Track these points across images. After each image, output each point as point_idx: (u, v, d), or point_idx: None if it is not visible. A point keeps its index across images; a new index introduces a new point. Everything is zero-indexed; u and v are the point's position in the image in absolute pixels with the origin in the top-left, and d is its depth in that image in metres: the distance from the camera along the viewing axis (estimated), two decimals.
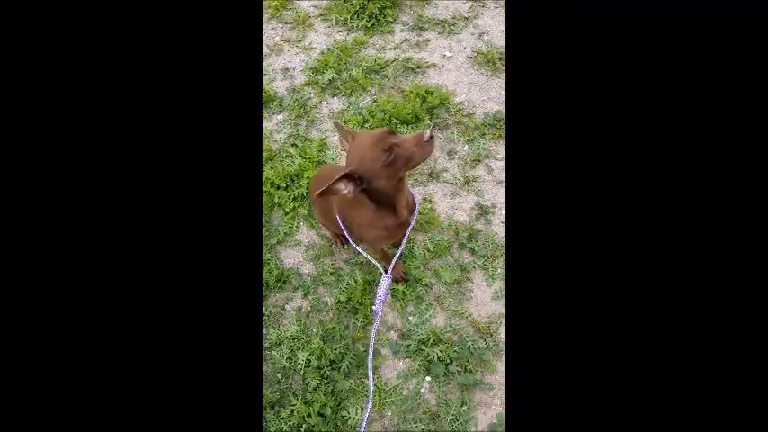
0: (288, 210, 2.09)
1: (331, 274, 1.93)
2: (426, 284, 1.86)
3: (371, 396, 1.32)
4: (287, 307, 1.88)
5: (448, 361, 1.69)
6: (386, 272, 1.48)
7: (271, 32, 2.80)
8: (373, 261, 1.56)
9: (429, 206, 2.07)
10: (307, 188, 2.12)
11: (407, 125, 2.27)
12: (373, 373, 1.69)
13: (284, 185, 2.13)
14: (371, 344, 1.38)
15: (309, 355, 1.71)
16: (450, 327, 1.78)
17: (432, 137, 1.22)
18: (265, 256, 1.98)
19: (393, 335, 1.78)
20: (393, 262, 1.53)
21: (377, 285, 1.71)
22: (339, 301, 1.84)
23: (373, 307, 1.52)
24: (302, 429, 1.57)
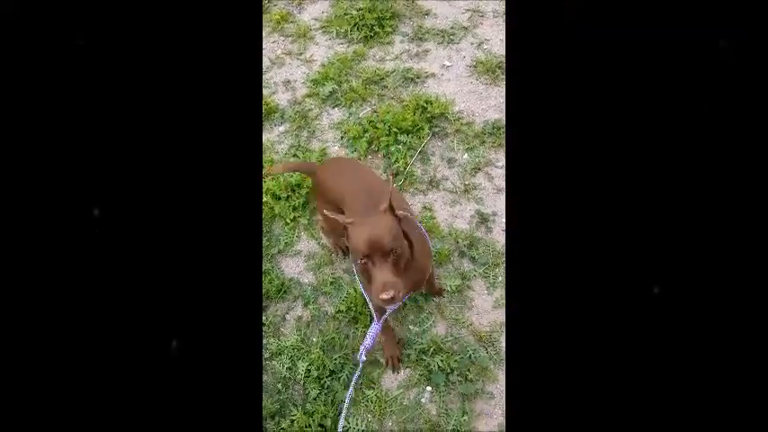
0: (288, 220, 2.10)
1: (331, 283, 1.93)
2: (426, 294, 1.86)
3: None
4: (287, 317, 1.89)
5: (449, 371, 1.67)
6: (377, 321, 1.41)
7: (272, 45, 2.84)
8: (369, 305, 1.48)
9: (429, 214, 2.07)
10: (306, 195, 2.13)
11: (408, 134, 2.28)
12: (372, 386, 1.69)
13: (285, 196, 2.15)
14: (350, 391, 1.31)
15: (309, 365, 1.71)
16: (451, 336, 1.77)
17: (389, 299, 1.12)
18: (266, 266, 1.99)
19: None
20: (384, 316, 1.46)
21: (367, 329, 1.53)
22: (339, 311, 1.84)
23: (358, 355, 1.40)
24: None
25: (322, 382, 1.68)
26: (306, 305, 1.90)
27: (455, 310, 1.83)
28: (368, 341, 1.38)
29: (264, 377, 1.74)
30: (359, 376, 1.32)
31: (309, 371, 1.69)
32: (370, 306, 1.45)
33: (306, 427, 1.58)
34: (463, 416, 1.60)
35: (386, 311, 1.45)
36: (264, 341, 1.82)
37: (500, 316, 1.81)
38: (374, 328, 1.41)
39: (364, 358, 1.36)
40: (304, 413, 1.61)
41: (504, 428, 1.58)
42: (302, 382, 1.70)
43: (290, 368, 1.73)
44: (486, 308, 1.84)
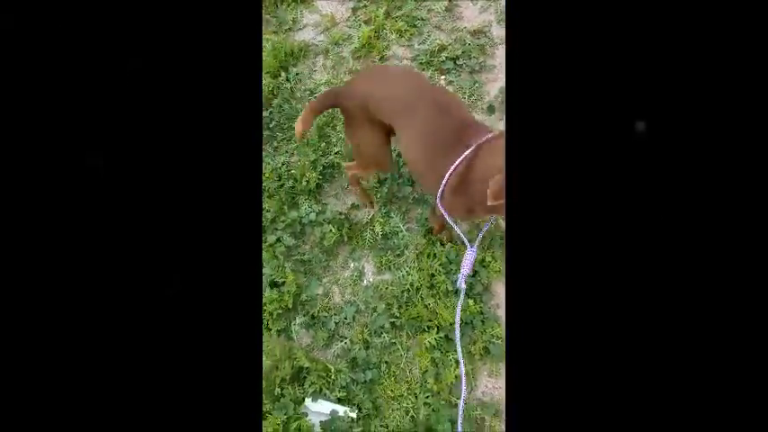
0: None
1: (344, 39, 2.24)
2: (421, 18, 2.19)
3: (464, 374, 1.27)
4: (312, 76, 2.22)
5: (455, 57, 2.06)
6: (471, 245, 1.39)
7: None
8: (458, 232, 1.40)
9: None
10: None
11: None
12: None
13: None
14: (457, 320, 1.33)
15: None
16: (450, 39, 2.13)
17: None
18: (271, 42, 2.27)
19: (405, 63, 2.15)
20: (479, 237, 1.44)
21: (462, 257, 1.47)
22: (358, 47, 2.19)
23: (456, 281, 1.41)
24: None
25: None
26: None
27: (449, 23, 2.18)
28: (465, 269, 1.38)
29: None
30: (462, 302, 1.37)
31: None
32: (458, 231, 1.40)
33: None
34: (474, 85, 2.01)
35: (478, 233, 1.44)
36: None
37: (488, 16, 2.17)
38: (470, 255, 1.39)
39: (464, 286, 1.38)
40: None
41: (504, 92, 1.98)
42: None
43: None
44: (474, 14, 2.19)
